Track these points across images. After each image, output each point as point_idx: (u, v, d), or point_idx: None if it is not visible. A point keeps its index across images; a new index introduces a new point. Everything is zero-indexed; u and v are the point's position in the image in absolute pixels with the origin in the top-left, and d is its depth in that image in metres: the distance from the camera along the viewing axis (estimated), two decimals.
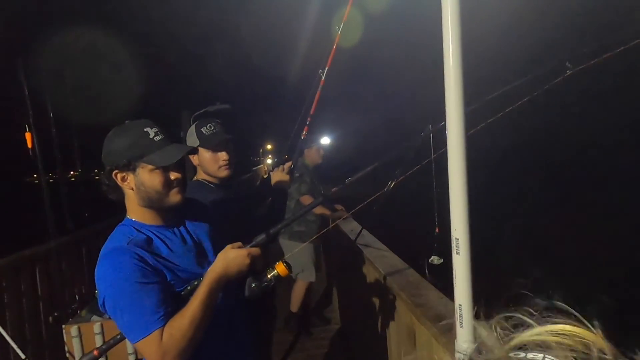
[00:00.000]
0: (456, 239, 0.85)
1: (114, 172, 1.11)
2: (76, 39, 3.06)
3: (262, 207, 1.97)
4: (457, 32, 0.82)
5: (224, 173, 1.69)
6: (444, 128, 0.86)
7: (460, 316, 0.86)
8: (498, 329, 0.39)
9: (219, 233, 1.30)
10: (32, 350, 2.59)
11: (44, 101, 3.26)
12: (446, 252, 0.86)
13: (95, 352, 1.21)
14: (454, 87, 0.83)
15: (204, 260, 1.18)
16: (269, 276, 1.18)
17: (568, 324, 0.36)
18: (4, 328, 2.12)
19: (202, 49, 4.10)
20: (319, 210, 3.29)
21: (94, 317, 2.28)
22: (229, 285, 1.13)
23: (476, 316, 0.86)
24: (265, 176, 2.23)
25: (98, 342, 2.14)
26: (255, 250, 1.16)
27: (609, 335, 0.36)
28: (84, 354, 1.26)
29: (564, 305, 0.38)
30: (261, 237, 1.24)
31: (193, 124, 1.71)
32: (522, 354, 0.35)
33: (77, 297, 3.17)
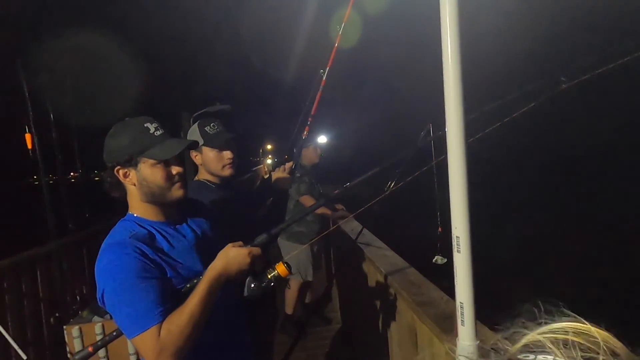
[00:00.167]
0: (457, 237, 0.85)
1: (116, 169, 1.12)
2: (76, 41, 3.06)
3: (262, 208, 1.97)
4: (456, 41, 0.82)
5: (228, 172, 1.69)
6: (444, 128, 0.86)
7: (462, 314, 0.86)
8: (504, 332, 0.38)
9: (219, 232, 1.30)
10: (33, 351, 2.60)
11: (44, 102, 3.27)
12: (449, 252, 0.86)
13: (90, 349, 1.19)
14: (452, 87, 0.83)
15: (204, 258, 1.17)
16: (269, 276, 1.17)
17: (577, 322, 0.35)
18: (5, 329, 2.11)
19: (202, 49, 4.11)
20: (319, 210, 3.29)
21: (95, 318, 2.28)
22: (229, 284, 1.12)
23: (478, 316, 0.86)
24: (265, 176, 2.23)
25: None
26: (256, 250, 1.15)
27: (617, 334, 0.35)
28: (78, 351, 1.23)
29: (569, 312, 0.37)
30: (262, 237, 1.23)
31: (194, 124, 1.71)
32: (532, 356, 0.35)
33: (78, 297, 3.17)
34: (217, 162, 1.67)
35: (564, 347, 0.34)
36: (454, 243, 0.85)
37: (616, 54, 1.46)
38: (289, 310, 3.55)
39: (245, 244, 1.17)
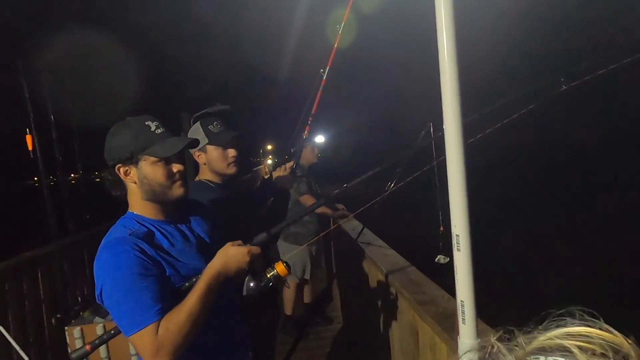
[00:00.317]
0: (456, 235, 0.85)
1: (117, 166, 1.11)
2: (76, 41, 3.06)
3: (263, 208, 1.97)
4: (452, 43, 0.82)
5: (232, 170, 1.69)
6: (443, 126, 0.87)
7: (463, 312, 0.86)
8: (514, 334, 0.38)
9: (219, 232, 1.30)
10: (34, 352, 2.60)
11: (45, 103, 3.27)
12: (452, 251, 0.86)
13: (88, 347, 1.19)
14: (449, 89, 0.84)
15: (204, 257, 1.17)
16: (268, 275, 1.17)
17: (590, 327, 0.35)
18: (6, 330, 2.12)
19: (201, 49, 4.11)
20: (320, 209, 3.28)
21: (97, 319, 2.29)
22: (228, 282, 1.12)
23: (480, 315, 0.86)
24: (266, 177, 2.23)
25: None
26: (256, 249, 1.15)
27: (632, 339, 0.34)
28: (75, 349, 1.22)
29: (584, 311, 0.36)
30: (262, 236, 1.23)
31: (194, 124, 1.71)
32: (542, 358, 0.34)
33: (79, 298, 3.17)
34: (222, 160, 1.67)
35: (576, 351, 0.33)
36: (454, 241, 0.85)
37: (616, 54, 1.46)
38: (288, 310, 3.55)
39: (245, 243, 1.17)
